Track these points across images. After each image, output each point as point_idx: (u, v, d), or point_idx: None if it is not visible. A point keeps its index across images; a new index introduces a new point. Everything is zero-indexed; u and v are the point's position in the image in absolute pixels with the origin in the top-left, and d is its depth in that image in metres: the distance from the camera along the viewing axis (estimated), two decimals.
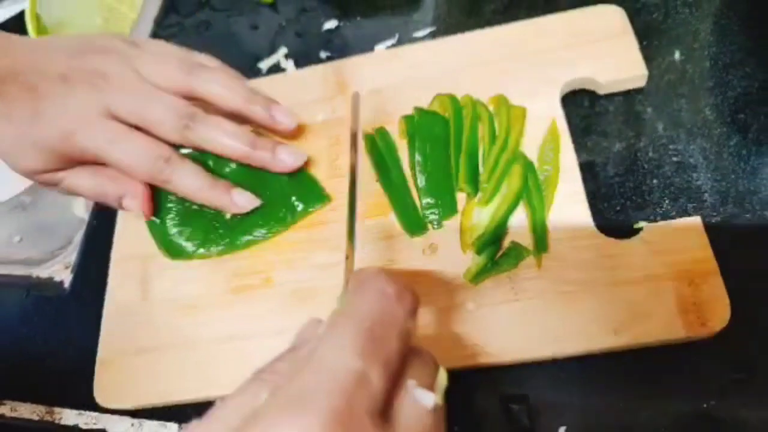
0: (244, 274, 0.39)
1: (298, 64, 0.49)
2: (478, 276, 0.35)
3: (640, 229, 0.34)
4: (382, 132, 0.41)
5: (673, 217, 0.36)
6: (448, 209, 0.38)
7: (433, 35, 0.47)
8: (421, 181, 0.38)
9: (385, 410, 0.19)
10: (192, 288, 0.39)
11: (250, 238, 0.39)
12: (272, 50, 0.50)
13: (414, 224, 0.38)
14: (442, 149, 0.39)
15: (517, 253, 0.35)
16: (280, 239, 0.39)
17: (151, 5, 0.56)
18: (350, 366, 0.18)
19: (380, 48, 0.47)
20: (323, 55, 0.49)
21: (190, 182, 0.37)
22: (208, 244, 0.40)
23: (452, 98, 0.41)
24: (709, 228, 0.33)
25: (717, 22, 0.42)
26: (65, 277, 0.46)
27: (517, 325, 0.33)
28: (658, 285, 0.32)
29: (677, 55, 0.41)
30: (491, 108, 0.40)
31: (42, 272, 0.47)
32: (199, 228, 0.40)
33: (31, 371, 0.42)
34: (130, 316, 0.40)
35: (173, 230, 0.40)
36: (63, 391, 0.41)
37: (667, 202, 0.37)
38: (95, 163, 0.37)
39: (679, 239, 0.33)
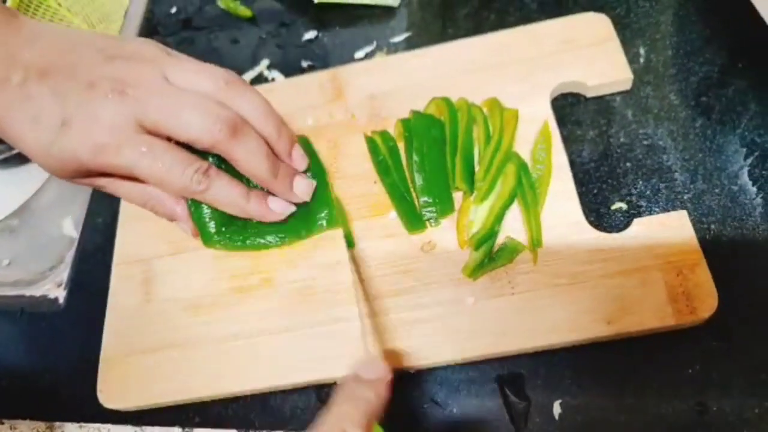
0: (246, 274, 0.39)
1: (282, 74, 0.50)
2: (476, 271, 0.36)
3: (629, 223, 0.36)
4: (384, 134, 0.42)
5: (646, 197, 0.38)
6: (445, 207, 0.39)
7: (408, 40, 0.49)
8: (419, 180, 0.39)
9: None
10: (194, 288, 0.40)
11: (261, 241, 0.40)
12: (255, 62, 0.51)
13: (414, 222, 0.39)
14: (439, 150, 0.40)
15: (512, 248, 0.36)
16: None
17: (131, 24, 0.57)
18: None
19: (359, 54, 0.49)
20: (305, 64, 0.50)
21: (224, 194, 0.36)
22: (226, 234, 0.39)
23: (448, 101, 0.42)
24: (696, 222, 0.35)
25: (676, 14, 0.45)
26: (59, 293, 0.45)
27: (515, 317, 0.35)
28: (648, 276, 0.34)
29: (641, 46, 0.44)
30: (485, 111, 0.41)
31: (35, 291, 0.47)
32: (224, 214, 0.39)
33: (29, 388, 0.42)
34: (133, 317, 0.40)
35: (206, 210, 0.38)
36: (63, 406, 0.41)
37: (640, 182, 0.39)
38: (128, 176, 0.36)
39: (666, 232, 0.35)
